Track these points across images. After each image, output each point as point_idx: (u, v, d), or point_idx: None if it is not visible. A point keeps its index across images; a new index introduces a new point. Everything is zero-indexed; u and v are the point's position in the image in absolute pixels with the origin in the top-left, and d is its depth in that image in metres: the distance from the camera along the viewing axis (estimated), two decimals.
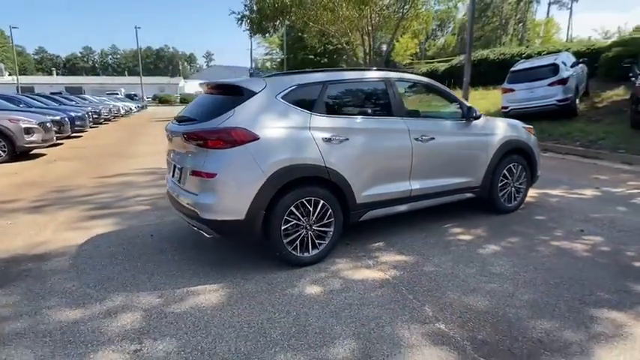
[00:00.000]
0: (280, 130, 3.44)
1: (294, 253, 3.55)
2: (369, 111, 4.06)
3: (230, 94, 3.69)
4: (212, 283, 3.37)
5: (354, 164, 3.68)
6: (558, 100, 10.58)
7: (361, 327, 2.68)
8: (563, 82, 10.61)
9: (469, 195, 4.60)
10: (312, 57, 43.97)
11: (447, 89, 4.71)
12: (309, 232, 3.57)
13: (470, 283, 3.25)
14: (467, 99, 13.98)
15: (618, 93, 12.40)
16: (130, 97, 46.43)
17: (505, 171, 4.78)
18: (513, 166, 4.83)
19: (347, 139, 3.66)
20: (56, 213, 5.40)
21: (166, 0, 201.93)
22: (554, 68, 10.89)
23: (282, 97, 3.55)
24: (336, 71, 4.01)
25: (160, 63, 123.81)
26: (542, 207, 5.19)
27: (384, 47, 29.12)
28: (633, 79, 9.39)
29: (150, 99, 54.06)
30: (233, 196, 3.36)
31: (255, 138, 3.34)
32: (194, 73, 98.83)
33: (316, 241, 3.62)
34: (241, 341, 2.58)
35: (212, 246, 4.10)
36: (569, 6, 58.31)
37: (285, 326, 2.73)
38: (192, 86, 59.37)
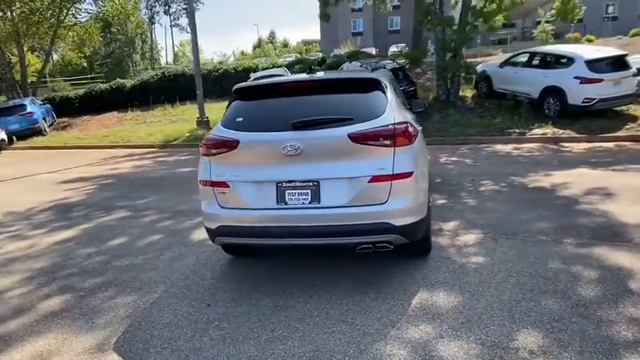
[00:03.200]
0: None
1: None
2: None
3: (359, 89, 3.63)
4: None
5: None
6: None
7: None
8: None
9: None
10: None
11: None
12: None
13: None
14: (203, 112, 15.12)
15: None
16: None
17: None
18: None
19: None
20: None
21: None
22: None
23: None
24: None
25: None
26: None
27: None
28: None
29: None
30: (422, 193, 3.38)
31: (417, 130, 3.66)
32: None
33: None
34: None
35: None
36: (188, 30, 66.03)
37: None
38: None
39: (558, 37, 28.95)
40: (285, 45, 59.13)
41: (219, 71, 19.36)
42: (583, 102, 10.17)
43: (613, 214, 4.69)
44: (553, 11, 29.80)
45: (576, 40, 25.36)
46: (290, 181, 3.30)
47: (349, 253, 3.85)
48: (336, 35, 45.33)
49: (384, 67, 6.03)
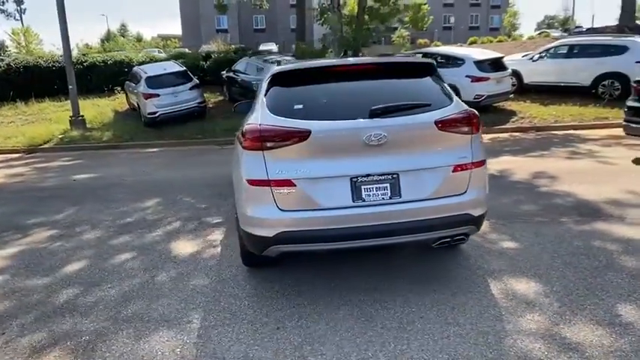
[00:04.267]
0: None
1: None
2: None
3: (416, 74, 3.39)
4: None
5: None
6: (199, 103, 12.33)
7: None
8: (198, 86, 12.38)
9: None
10: None
11: None
12: None
13: None
14: (77, 109, 12.85)
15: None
16: None
17: None
18: None
19: None
20: None
21: None
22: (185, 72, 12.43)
23: None
24: None
25: None
26: None
27: None
28: None
29: None
30: (486, 182, 3.25)
31: None
32: None
33: None
34: None
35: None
36: (17, 17, 55.48)
37: None
38: None
39: (413, 42, 32.38)
40: (139, 39, 54.00)
41: (85, 64, 16.67)
42: (474, 98, 11.40)
43: (577, 194, 5.31)
44: (407, 19, 33.28)
45: (426, 46, 28.73)
46: (367, 175, 2.92)
47: (387, 251, 3.70)
48: (198, 31, 43.33)
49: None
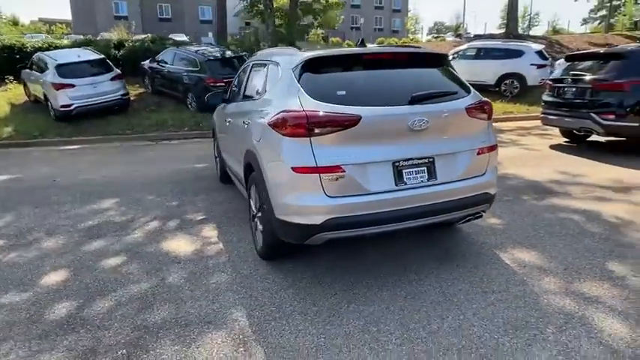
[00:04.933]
0: None
1: None
2: None
3: (435, 64, 3.62)
4: None
5: None
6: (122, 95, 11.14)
7: None
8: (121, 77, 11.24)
9: None
10: None
11: None
12: None
13: None
14: None
15: None
16: None
17: None
18: None
19: None
20: None
21: None
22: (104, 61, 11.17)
23: None
24: None
25: None
26: None
27: None
28: None
29: None
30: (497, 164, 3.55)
31: None
32: None
33: None
34: None
35: None
36: None
37: None
38: None
39: (326, 40, 33.17)
40: (15, 23, 47.02)
41: None
42: None
43: (524, 177, 6.01)
44: (320, 19, 34.00)
45: (339, 44, 29.64)
46: (408, 160, 3.06)
47: (396, 237, 3.93)
48: (92, 17, 39.36)
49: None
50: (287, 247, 3.37)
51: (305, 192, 2.94)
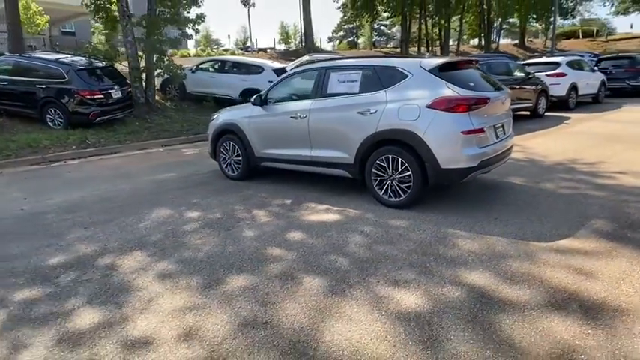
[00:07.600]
0: None
1: None
2: None
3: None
4: None
5: None
6: None
7: None
8: None
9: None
10: None
11: None
12: None
13: None
14: None
15: None
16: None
17: None
18: None
19: None
20: None
21: None
22: None
23: None
24: None
25: None
26: None
27: None
28: None
29: None
30: None
31: None
32: None
33: None
34: None
35: None
36: None
37: None
38: None
39: None
40: None
41: None
42: None
43: None
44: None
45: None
46: (497, 124, 4.96)
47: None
48: None
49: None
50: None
51: (467, 147, 4.49)
